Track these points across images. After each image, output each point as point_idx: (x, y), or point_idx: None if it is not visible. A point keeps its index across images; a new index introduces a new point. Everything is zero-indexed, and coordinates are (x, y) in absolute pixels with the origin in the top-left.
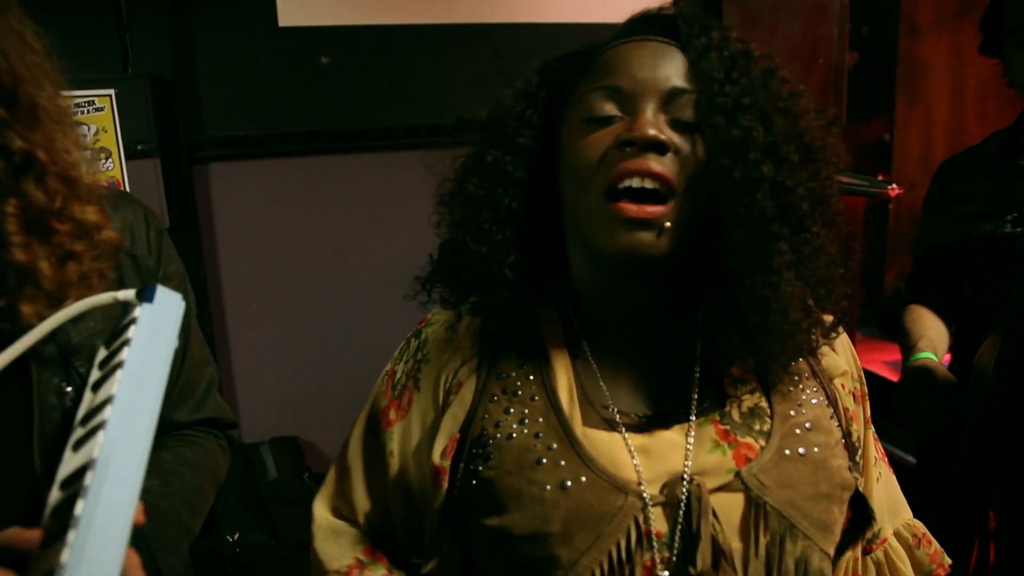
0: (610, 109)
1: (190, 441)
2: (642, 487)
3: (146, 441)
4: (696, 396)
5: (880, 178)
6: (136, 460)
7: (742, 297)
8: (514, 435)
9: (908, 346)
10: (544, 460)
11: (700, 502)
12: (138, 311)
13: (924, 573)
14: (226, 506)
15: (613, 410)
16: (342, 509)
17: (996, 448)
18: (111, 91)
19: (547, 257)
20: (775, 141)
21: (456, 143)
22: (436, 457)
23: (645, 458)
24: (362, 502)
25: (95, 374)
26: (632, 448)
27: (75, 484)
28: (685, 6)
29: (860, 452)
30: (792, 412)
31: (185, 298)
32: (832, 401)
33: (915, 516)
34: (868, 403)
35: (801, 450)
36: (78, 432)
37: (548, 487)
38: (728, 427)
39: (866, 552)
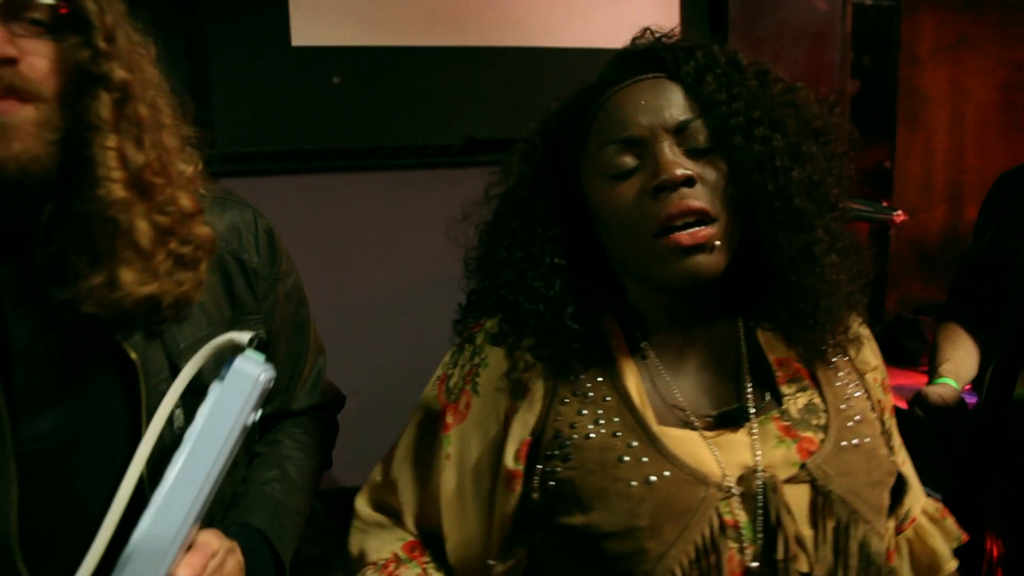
0: (630, 161)
1: (306, 423)
2: (727, 478)
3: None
4: (750, 394)
5: (884, 204)
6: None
7: (791, 291)
8: (592, 435)
9: (933, 367)
10: (626, 458)
11: (776, 493)
12: (214, 387)
13: (953, 540)
14: None
15: (687, 411)
16: (386, 506)
17: (991, 462)
18: None
19: (598, 279)
20: (793, 142)
21: (465, 164)
22: (509, 461)
23: (721, 452)
24: (409, 504)
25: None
26: (710, 443)
27: None
28: (670, 30)
29: (892, 439)
30: (843, 406)
31: (300, 293)
32: (869, 394)
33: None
34: (891, 392)
35: (855, 441)
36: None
37: (634, 483)
38: (789, 423)
39: (898, 532)
